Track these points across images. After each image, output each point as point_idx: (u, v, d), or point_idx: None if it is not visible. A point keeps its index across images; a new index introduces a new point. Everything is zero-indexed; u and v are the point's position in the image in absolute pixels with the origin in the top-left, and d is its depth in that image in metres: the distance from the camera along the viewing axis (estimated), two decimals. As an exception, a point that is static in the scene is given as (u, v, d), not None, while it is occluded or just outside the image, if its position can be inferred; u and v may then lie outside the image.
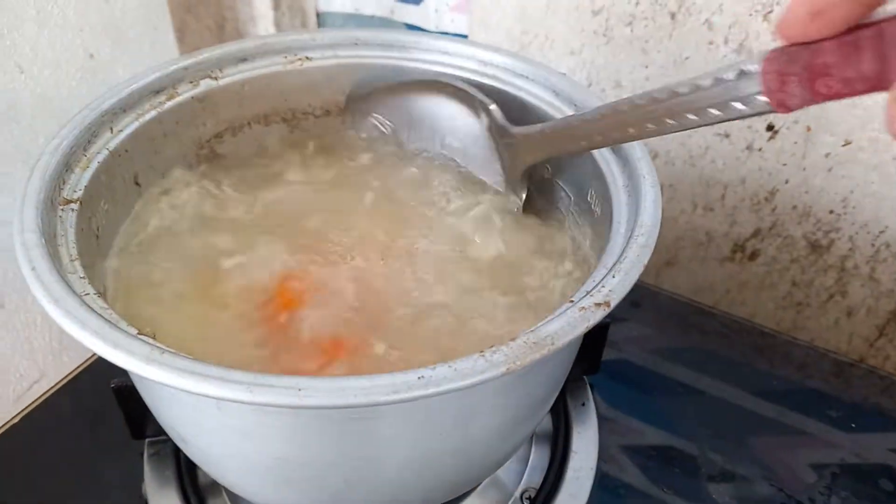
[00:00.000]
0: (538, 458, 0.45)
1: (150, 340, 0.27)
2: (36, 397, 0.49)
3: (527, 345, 0.26)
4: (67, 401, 0.49)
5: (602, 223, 0.35)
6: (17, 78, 0.49)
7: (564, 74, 0.41)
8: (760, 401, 0.50)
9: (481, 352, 0.26)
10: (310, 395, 0.24)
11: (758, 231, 0.61)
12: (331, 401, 0.25)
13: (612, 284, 0.28)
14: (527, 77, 0.42)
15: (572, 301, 0.28)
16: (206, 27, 0.66)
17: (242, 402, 0.25)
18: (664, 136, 0.60)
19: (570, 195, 0.41)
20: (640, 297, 0.59)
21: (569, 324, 0.27)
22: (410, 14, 0.65)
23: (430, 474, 0.33)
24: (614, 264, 0.29)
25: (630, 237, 0.31)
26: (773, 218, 0.59)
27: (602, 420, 0.48)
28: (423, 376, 0.25)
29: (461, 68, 0.44)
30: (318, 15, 0.69)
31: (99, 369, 0.51)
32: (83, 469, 0.45)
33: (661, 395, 0.51)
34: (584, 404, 0.48)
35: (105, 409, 0.47)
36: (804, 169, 0.56)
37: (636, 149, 0.35)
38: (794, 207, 0.58)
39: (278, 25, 0.67)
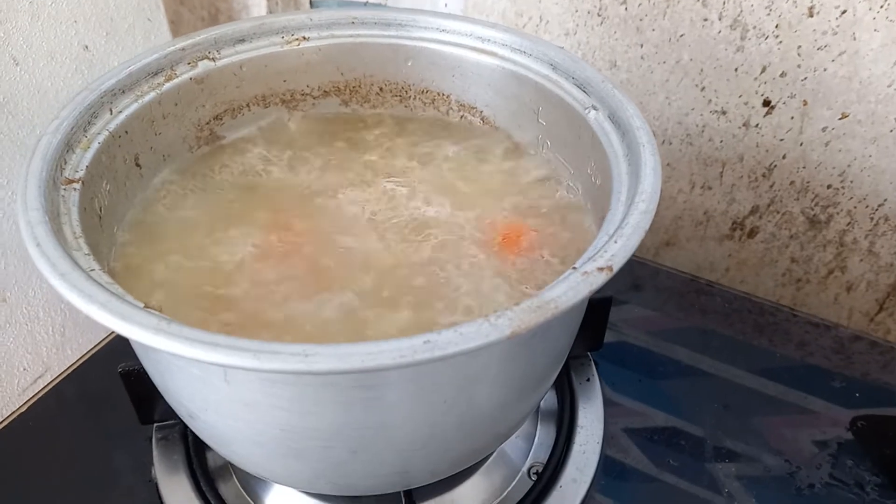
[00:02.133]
0: (544, 434, 0.46)
1: (157, 313, 0.27)
2: (41, 387, 0.50)
3: (531, 308, 0.26)
4: (73, 389, 0.50)
5: (603, 194, 0.36)
6: (12, 70, 0.49)
7: (562, 48, 0.41)
8: (762, 378, 0.51)
9: (486, 316, 0.26)
10: (316, 361, 0.25)
11: (756, 208, 0.61)
12: (337, 366, 0.25)
13: (613, 249, 0.29)
14: (525, 52, 0.42)
15: (575, 268, 0.28)
16: (199, 18, 0.66)
17: (250, 369, 0.25)
18: (660, 116, 0.61)
19: (571, 168, 0.41)
20: (640, 280, 0.59)
21: (571, 288, 0.27)
22: None
23: (436, 445, 0.33)
24: (615, 230, 0.29)
25: (631, 204, 0.31)
26: (771, 194, 0.60)
27: (605, 403, 0.48)
28: (429, 340, 0.25)
29: (460, 45, 0.44)
30: (311, 4, 0.69)
31: (103, 358, 0.51)
32: (92, 455, 0.46)
33: (662, 377, 0.51)
34: (588, 380, 0.48)
35: (111, 397, 0.47)
36: (801, 144, 0.56)
37: (635, 119, 0.35)
38: (792, 183, 0.58)
39: (273, 14, 0.67)
